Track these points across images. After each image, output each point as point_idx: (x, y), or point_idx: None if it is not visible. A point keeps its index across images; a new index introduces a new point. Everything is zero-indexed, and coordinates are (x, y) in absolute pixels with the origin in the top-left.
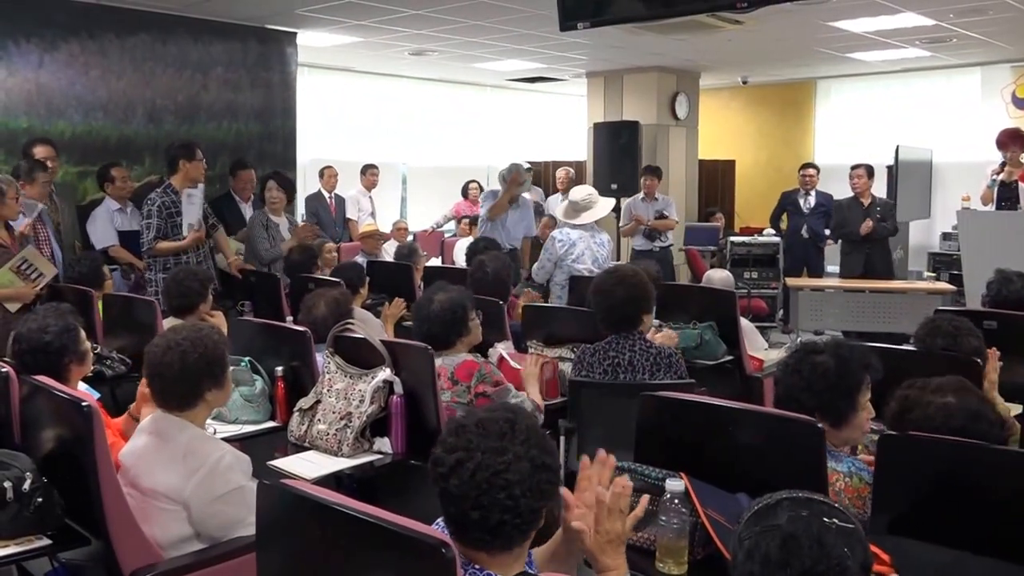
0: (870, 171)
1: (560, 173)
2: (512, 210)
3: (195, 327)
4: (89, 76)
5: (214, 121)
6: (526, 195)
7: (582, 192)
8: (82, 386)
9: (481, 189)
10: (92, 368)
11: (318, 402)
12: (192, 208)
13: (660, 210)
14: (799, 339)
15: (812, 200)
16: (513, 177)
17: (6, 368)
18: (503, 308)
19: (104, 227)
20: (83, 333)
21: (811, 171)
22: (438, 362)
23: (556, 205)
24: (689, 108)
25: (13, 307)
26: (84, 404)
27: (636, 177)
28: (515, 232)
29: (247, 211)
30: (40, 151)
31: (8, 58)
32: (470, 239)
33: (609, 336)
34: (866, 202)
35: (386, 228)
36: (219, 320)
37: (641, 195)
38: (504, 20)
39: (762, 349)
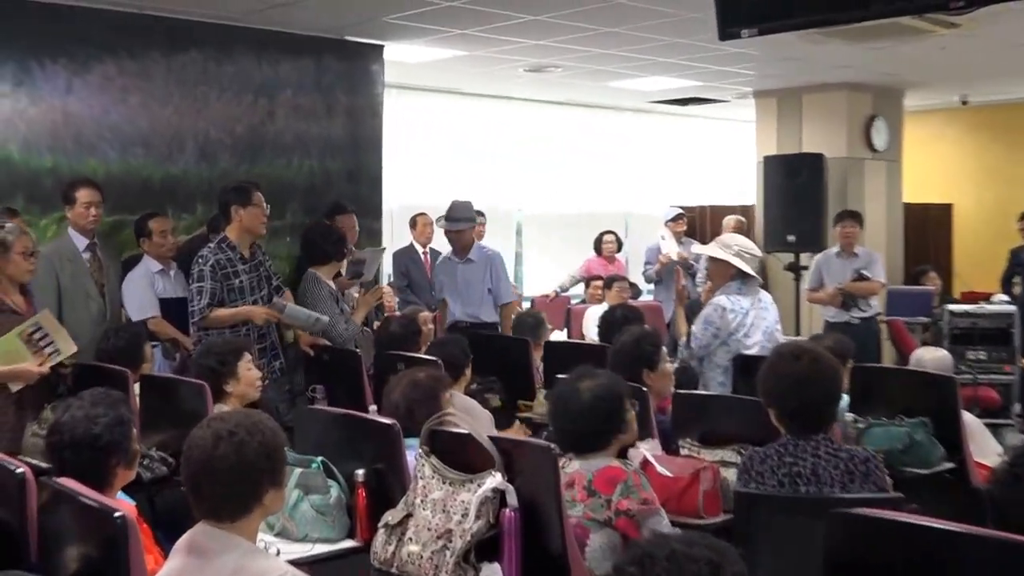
0: None
1: (729, 222)
2: (463, 265)
3: (244, 412)
4: (128, 103)
5: (282, 157)
6: (484, 245)
7: (733, 240)
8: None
9: (619, 242)
10: None
11: (409, 516)
12: (300, 315)
13: (861, 268)
14: None
15: None
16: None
17: (22, 468)
18: (647, 396)
19: (142, 293)
20: (135, 430)
21: None
22: (574, 466)
23: (669, 247)
24: (889, 136)
25: (15, 387)
26: (118, 515)
27: (820, 226)
28: (470, 296)
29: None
30: (84, 195)
31: (31, 83)
32: (603, 307)
33: (785, 436)
34: None
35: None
36: (248, 381)
37: (836, 248)
38: (648, 26)
39: (994, 454)
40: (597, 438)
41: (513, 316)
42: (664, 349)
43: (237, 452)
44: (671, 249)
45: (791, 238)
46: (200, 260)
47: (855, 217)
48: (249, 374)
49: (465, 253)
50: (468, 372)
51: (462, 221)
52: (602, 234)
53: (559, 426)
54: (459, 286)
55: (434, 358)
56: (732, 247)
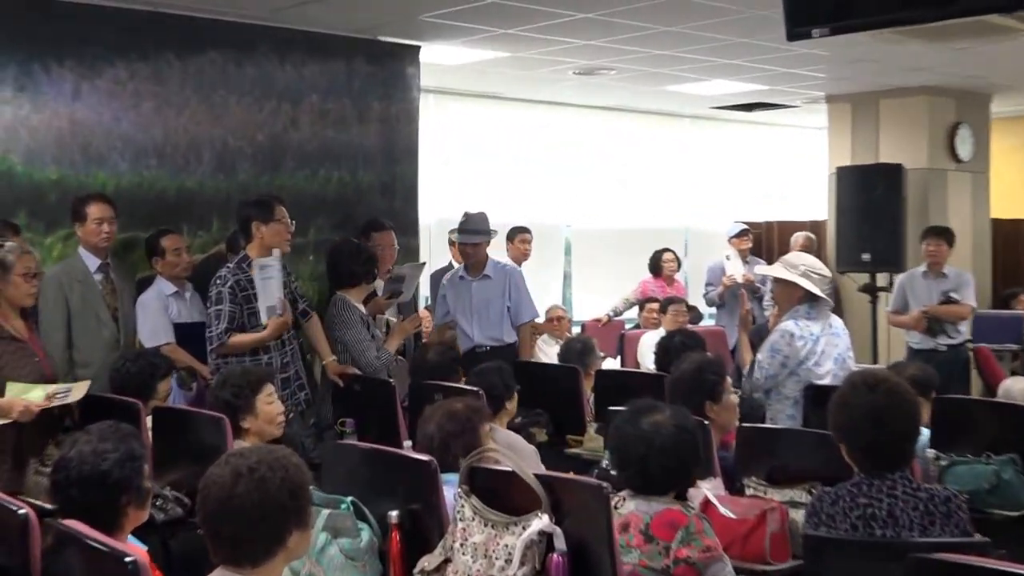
0: None
1: (797, 239)
2: (478, 282)
3: (266, 448)
4: (140, 110)
5: (307, 168)
6: (504, 259)
7: (800, 259)
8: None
9: (678, 261)
10: None
11: (447, 561)
12: (268, 284)
13: (949, 291)
14: None
15: None
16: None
17: (24, 509)
18: (709, 430)
19: (154, 318)
20: (147, 467)
21: None
22: (629, 507)
23: (733, 267)
24: (975, 145)
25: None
26: (129, 560)
27: (898, 244)
28: (489, 316)
29: (382, 289)
30: (96, 210)
31: (34, 88)
32: (660, 332)
33: (859, 475)
34: None
35: (541, 317)
36: (267, 417)
37: (922, 268)
38: (711, 25)
39: None
40: (666, 483)
41: (534, 335)
42: (728, 379)
43: (259, 490)
44: (735, 269)
45: (866, 257)
46: (218, 281)
47: (943, 234)
48: (269, 409)
49: (480, 269)
50: (512, 404)
51: (479, 234)
52: (660, 252)
53: (622, 467)
54: (475, 306)
55: (475, 388)
56: (799, 267)
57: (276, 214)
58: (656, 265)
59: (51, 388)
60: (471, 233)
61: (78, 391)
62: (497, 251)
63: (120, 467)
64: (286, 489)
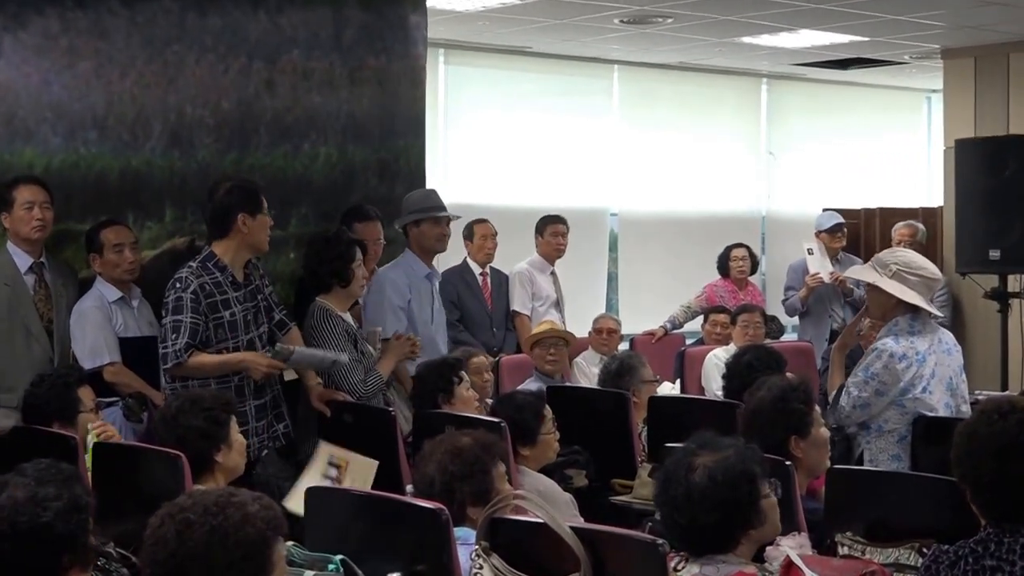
0: None
1: (900, 231)
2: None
3: (224, 491)
4: (76, 71)
5: (285, 143)
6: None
7: (893, 256)
8: None
9: (752, 258)
10: None
11: None
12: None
13: None
14: None
15: None
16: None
17: None
18: (793, 473)
19: (95, 332)
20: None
21: None
22: (692, 571)
23: (819, 264)
24: None
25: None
26: None
27: None
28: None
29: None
30: (25, 194)
31: None
32: (730, 349)
33: (985, 529)
34: None
35: (581, 328)
36: (239, 448)
37: None
38: None
39: None
40: (719, 534)
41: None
42: (817, 409)
43: (208, 547)
44: (820, 266)
45: (994, 254)
46: (178, 285)
47: None
48: (240, 438)
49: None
50: (547, 438)
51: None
52: (729, 249)
53: (668, 516)
54: (437, 313)
55: (497, 420)
56: (890, 266)
57: (263, 205)
58: (725, 264)
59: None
60: (439, 209)
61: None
62: (523, 245)
63: (64, 519)
64: (247, 545)
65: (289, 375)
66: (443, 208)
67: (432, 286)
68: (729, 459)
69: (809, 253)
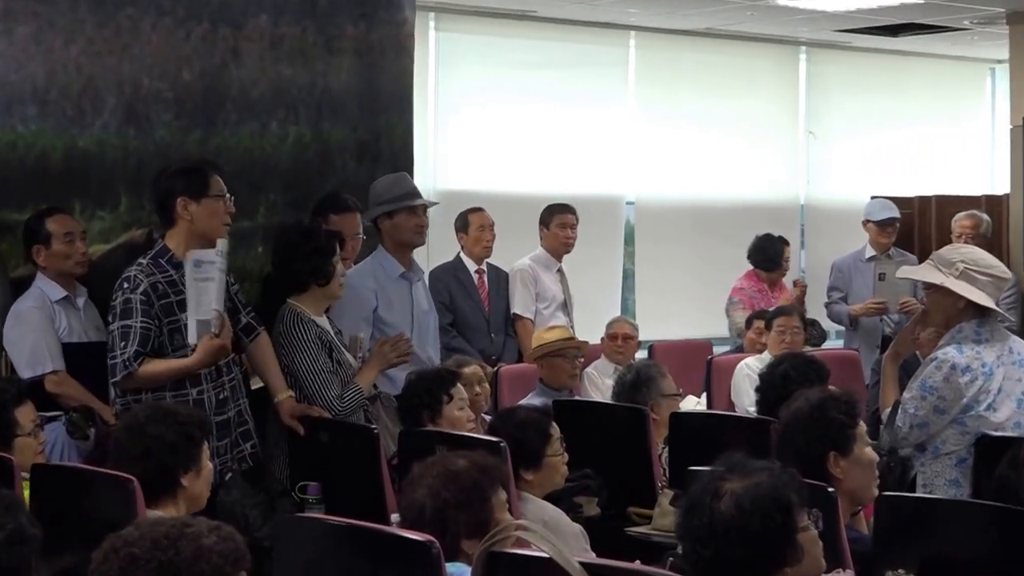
0: None
1: (961, 222)
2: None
3: (177, 523)
4: (12, 37)
5: (253, 120)
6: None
7: (958, 253)
8: None
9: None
10: None
11: None
12: (206, 288)
13: None
14: None
15: None
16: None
17: None
18: (835, 500)
19: (35, 336)
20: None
21: None
22: None
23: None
24: None
25: None
26: None
27: None
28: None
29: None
30: None
31: None
32: (764, 358)
33: None
34: None
35: (593, 334)
36: (207, 475)
37: None
38: None
39: None
40: (747, 572)
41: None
42: (862, 424)
43: None
44: (892, 297)
45: None
46: (126, 285)
47: None
48: (209, 467)
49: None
50: (554, 460)
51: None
52: (775, 241)
53: (691, 549)
54: (418, 316)
55: (496, 439)
56: (956, 264)
57: (211, 188)
58: (768, 258)
59: None
60: (414, 196)
61: None
62: (526, 239)
63: (7, 551)
64: None
65: (255, 382)
66: (417, 195)
67: (410, 287)
68: (760, 485)
69: (880, 279)
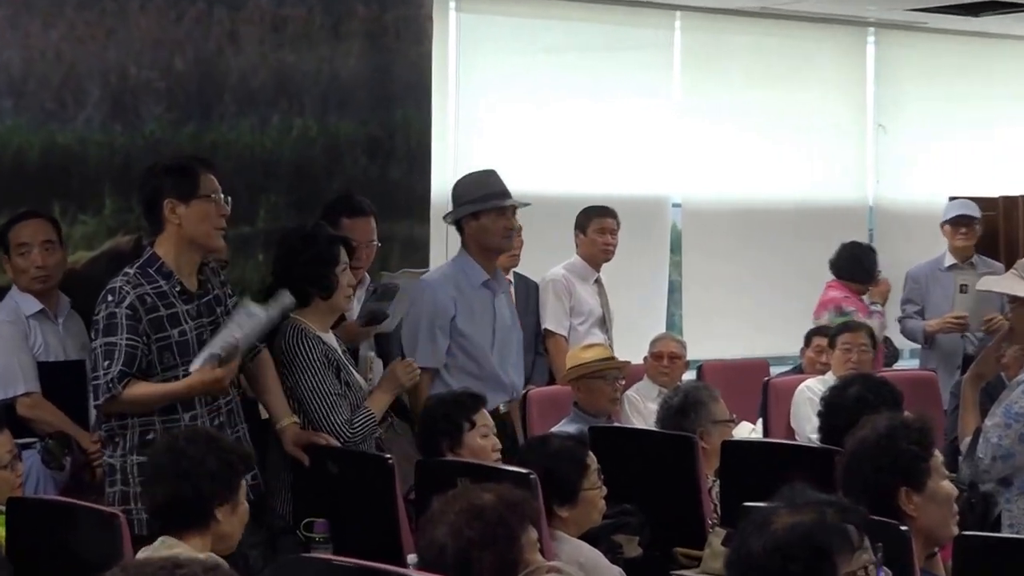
0: None
1: None
2: (503, 293)
3: (168, 564)
4: None
5: (252, 113)
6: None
7: None
8: None
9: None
10: None
11: None
12: (241, 327)
13: None
14: None
15: None
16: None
17: None
18: (908, 538)
19: (7, 354)
20: None
21: None
22: None
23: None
24: None
25: None
26: None
27: None
28: (513, 353)
29: (357, 305)
30: None
31: None
32: (828, 378)
33: None
34: None
35: (635, 352)
36: (242, 515)
37: None
38: None
39: None
40: None
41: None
42: (939, 455)
43: None
44: (974, 311)
45: None
46: (109, 298)
47: None
48: (246, 507)
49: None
50: (592, 495)
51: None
52: (853, 249)
53: None
54: (499, 334)
55: (526, 471)
56: None
57: (201, 187)
58: (865, 270)
59: None
60: (503, 195)
61: None
62: (559, 245)
63: None
64: None
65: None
66: (507, 194)
67: (494, 297)
68: (798, 527)
69: (962, 291)
